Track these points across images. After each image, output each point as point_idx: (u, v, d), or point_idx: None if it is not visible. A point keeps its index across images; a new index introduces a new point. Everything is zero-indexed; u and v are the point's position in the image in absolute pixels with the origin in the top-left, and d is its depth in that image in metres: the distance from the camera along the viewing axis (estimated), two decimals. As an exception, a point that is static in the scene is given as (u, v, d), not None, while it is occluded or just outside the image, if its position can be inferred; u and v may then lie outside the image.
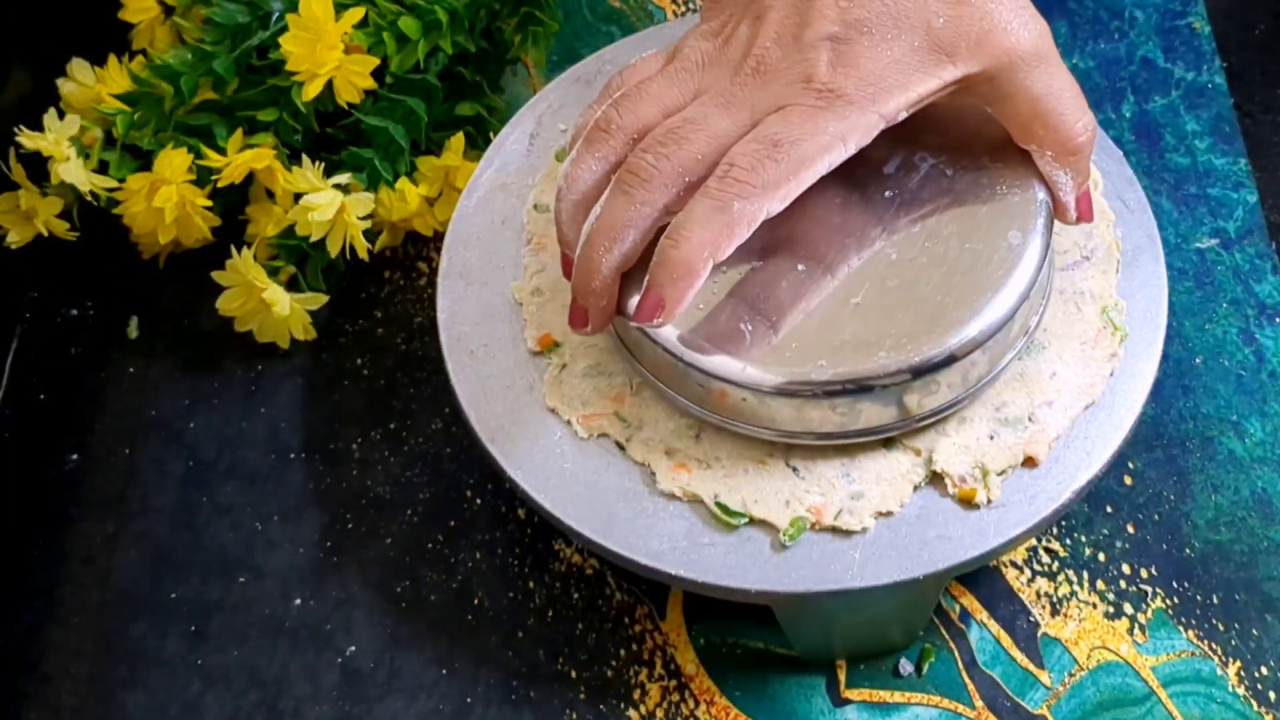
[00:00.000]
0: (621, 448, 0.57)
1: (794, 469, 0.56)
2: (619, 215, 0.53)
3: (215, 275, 0.66)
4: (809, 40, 0.53)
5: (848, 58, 0.53)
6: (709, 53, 0.55)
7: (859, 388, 0.53)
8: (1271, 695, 0.59)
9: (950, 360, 0.54)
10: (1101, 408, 0.57)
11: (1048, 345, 0.58)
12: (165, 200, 0.66)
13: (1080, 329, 0.58)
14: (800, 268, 0.56)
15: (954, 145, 0.58)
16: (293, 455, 0.67)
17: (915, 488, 0.56)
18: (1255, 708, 0.59)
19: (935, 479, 0.56)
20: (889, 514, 0.55)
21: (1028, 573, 0.62)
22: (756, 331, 0.55)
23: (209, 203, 0.67)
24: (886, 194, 0.57)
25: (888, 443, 0.56)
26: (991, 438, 0.56)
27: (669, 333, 0.55)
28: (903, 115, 0.54)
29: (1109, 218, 0.61)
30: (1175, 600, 0.61)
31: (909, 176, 0.57)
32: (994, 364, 0.56)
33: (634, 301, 0.53)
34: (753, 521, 0.55)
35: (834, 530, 0.55)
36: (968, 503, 0.55)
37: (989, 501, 0.55)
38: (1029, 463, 0.56)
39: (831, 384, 0.53)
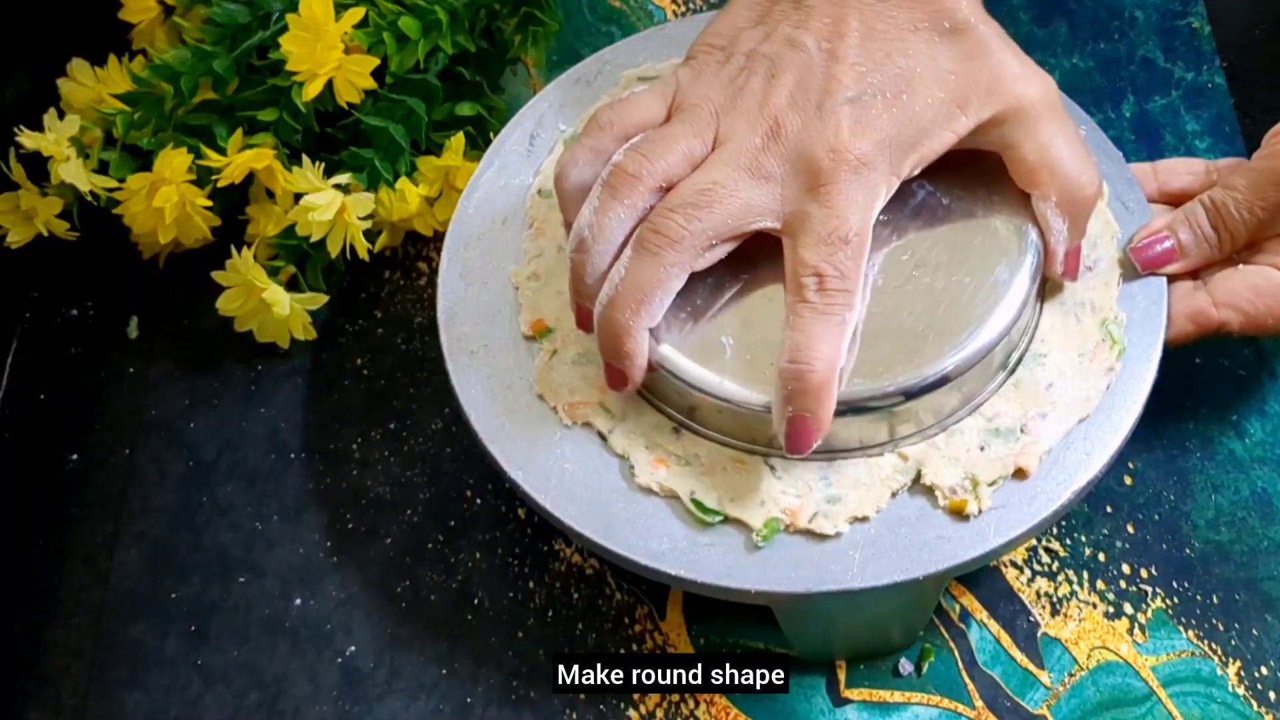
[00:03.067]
0: (604, 438, 0.57)
1: (772, 468, 0.56)
2: (647, 277, 0.53)
3: (215, 275, 0.67)
4: (829, 106, 0.54)
5: (865, 121, 0.54)
6: (722, 103, 0.55)
7: None
8: (1271, 695, 0.59)
9: (926, 390, 0.54)
10: (1094, 423, 0.57)
11: (1046, 355, 0.58)
12: (165, 200, 0.66)
13: (1079, 341, 0.58)
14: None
15: (952, 175, 0.57)
16: (293, 455, 0.67)
17: (893, 494, 0.55)
18: (1255, 708, 0.59)
19: (924, 490, 0.55)
20: (864, 519, 0.55)
21: (1028, 573, 0.62)
22: (738, 346, 0.55)
23: (209, 203, 0.67)
24: (880, 219, 0.56)
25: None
26: (982, 449, 0.56)
27: (651, 342, 0.55)
28: (918, 170, 0.55)
29: (1113, 229, 0.61)
30: (1175, 600, 0.61)
31: (904, 203, 0.57)
32: (970, 398, 0.56)
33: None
34: (728, 520, 0.55)
35: (808, 534, 0.55)
36: (958, 514, 0.55)
37: (979, 512, 0.55)
38: (1019, 474, 0.55)
39: None
